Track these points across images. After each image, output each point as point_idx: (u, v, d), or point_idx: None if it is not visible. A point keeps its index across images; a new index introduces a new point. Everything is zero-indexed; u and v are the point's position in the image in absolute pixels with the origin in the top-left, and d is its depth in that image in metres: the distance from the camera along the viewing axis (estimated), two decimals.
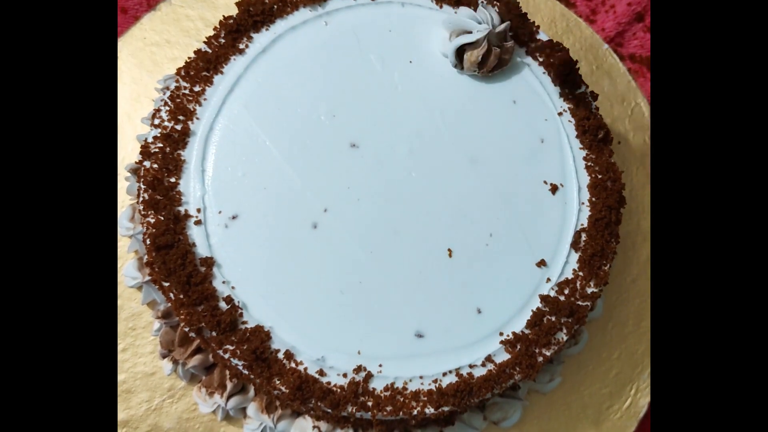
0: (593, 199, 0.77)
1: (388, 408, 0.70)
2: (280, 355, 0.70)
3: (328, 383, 0.70)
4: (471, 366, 0.72)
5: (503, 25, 0.78)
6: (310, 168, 0.76)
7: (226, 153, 0.76)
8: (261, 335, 0.70)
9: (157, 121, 0.76)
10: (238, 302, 0.71)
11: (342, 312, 0.72)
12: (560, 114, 0.79)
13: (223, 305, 0.71)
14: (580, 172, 0.78)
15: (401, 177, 0.76)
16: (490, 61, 0.76)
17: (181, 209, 0.73)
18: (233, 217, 0.74)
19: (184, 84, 0.78)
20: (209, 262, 0.72)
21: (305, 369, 0.70)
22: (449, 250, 0.74)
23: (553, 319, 0.73)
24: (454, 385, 0.70)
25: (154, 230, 0.72)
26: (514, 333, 0.73)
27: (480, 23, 0.75)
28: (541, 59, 0.80)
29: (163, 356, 0.83)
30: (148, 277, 0.80)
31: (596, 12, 1.07)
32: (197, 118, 0.77)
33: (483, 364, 0.72)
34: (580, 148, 0.79)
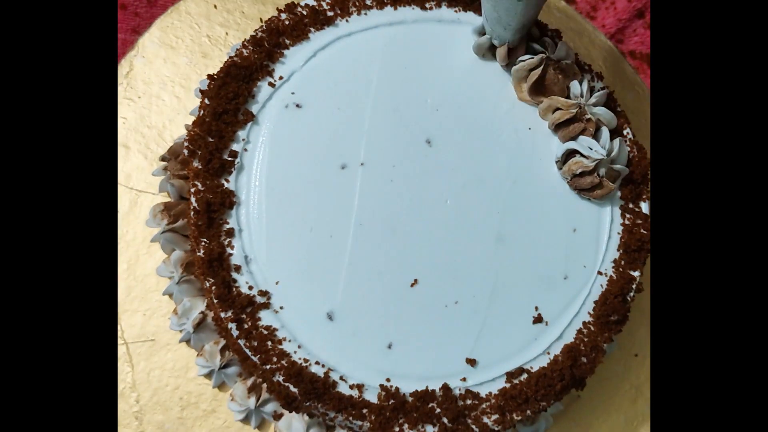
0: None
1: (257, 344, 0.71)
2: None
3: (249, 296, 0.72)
4: None
5: (622, 168, 0.76)
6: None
7: (332, 59, 0.79)
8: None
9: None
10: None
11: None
12: (599, 273, 0.76)
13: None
14: (571, 328, 0.75)
15: (437, 204, 0.76)
16: (584, 181, 0.75)
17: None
18: (298, 105, 0.77)
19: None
20: (250, 117, 0.75)
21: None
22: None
23: None
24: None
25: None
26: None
27: (603, 146, 0.74)
28: (627, 221, 0.78)
29: (162, 159, 0.87)
30: None
31: (597, 8, 1.06)
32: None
33: None
34: (590, 313, 0.75)
